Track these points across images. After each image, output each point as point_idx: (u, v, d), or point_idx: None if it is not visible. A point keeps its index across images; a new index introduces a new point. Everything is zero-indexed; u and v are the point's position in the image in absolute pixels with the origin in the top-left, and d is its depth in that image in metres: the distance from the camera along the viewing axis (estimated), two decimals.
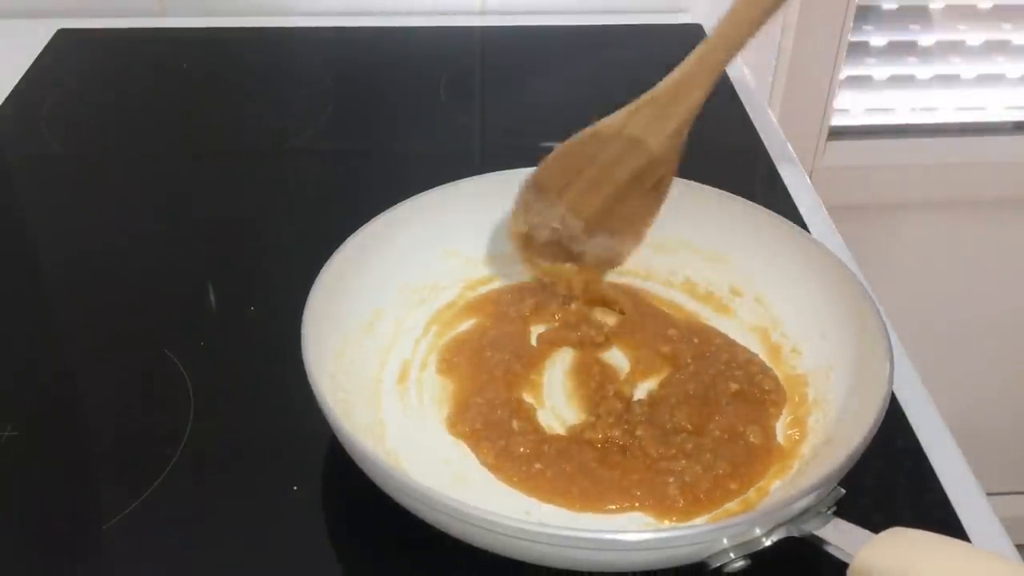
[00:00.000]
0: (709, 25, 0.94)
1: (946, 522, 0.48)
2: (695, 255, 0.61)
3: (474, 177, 0.61)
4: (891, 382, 0.46)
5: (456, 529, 0.42)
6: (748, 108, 0.82)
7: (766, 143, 0.78)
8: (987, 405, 1.31)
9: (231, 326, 0.61)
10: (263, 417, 0.53)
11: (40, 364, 0.58)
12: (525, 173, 0.59)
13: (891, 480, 0.51)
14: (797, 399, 0.52)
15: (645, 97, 0.54)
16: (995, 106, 1.11)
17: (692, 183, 0.60)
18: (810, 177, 0.77)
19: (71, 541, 0.47)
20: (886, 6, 1.06)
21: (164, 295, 0.63)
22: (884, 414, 0.44)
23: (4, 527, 0.48)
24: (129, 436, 0.53)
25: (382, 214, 0.57)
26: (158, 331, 0.59)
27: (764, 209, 0.59)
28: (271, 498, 0.49)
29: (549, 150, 0.80)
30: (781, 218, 0.58)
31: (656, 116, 0.54)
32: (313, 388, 0.45)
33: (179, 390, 0.54)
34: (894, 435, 0.53)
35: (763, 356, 0.55)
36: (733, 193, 0.60)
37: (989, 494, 0.50)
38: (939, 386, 0.59)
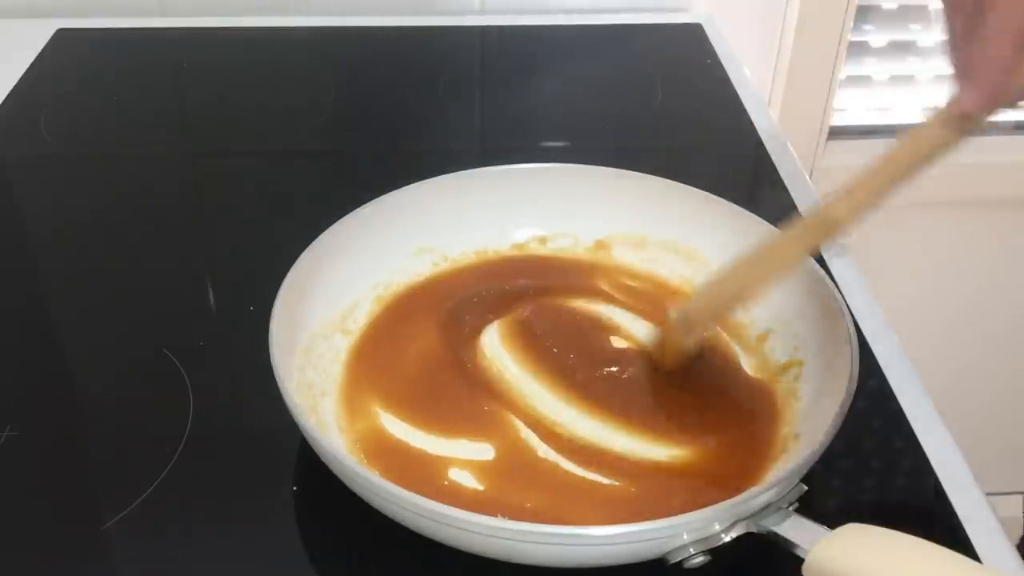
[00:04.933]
0: (709, 25, 0.95)
1: (946, 522, 0.48)
2: (667, 251, 0.61)
3: (451, 174, 0.61)
4: (854, 381, 0.46)
5: (416, 524, 0.42)
6: (748, 108, 0.82)
7: (766, 143, 0.78)
8: (987, 405, 1.31)
9: (231, 326, 0.61)
10: (263, 417, 0.53)
11: (40, 364, 0.58)
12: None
13: (891, 480, 0.51)
14: (768, 394, 0.52)
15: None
16: None
17: (670, 181, 0.60)
18: (810, 177, 0.77)
19: (71, 541, 0.47)
20: (886, 6, 1.06)
21: (164, 295, 0.63)
22: (846, 413, 0.44)
23: (4, 527, 0.48)
24: (129, 436, 0.53)
25: (356, 210, 0.58)
26: (158, 331, 0.59)
27: (733, 205, 0.59)
28: (271, 498, 0.49)
29: (548, 150, 0.80)
30: (750, 214, 0.58)
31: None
32: (279, 385, 0.45)
33: (179, 390, 0.54)
34: (894, 435, 0.53)
35: (737, 350, 0.56)
36: (731, 193, 0.60)
37: (989, 494, 0.50)
38: (939, 386, 0.59)
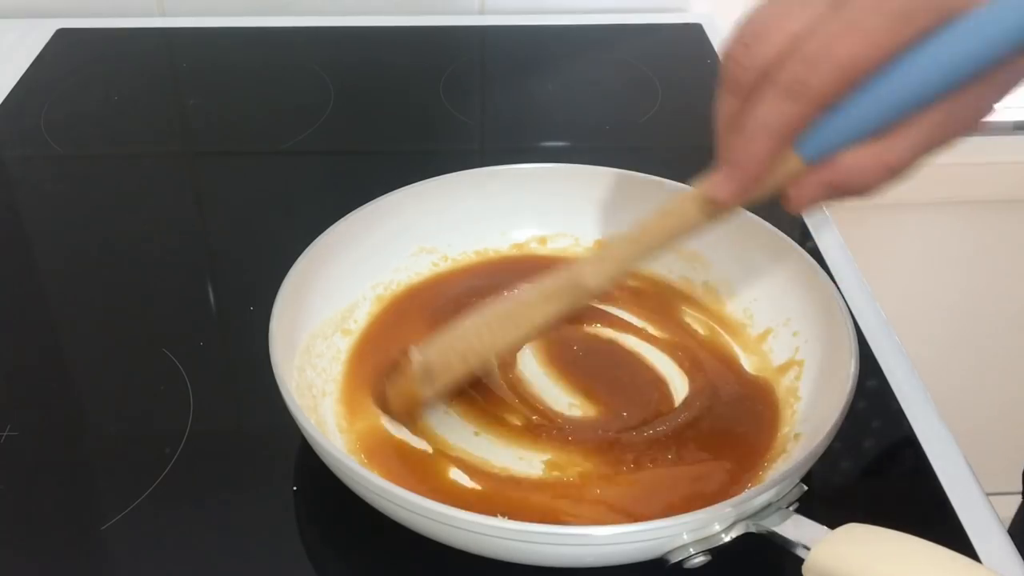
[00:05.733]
0: (709, 25, 0.95)
1: (946, 522, 0.48)
2: (668, 252, 0.61)
3: (451, 174, 0.61)
4: (854, 381, 0.46)
5: (415, 523, 0.42)
6: None
7: None
8: (987, 405, 1.31)
9: (231, 326, 0.61)
10: (263, 417, 0.53)
11: (40, 364, 0.58)
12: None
13: (891, 480, 0.51)
14: (768, 393, 0.52)
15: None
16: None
17: (671, 182, 0.60)
18: None
19: (71, 541, 0.47)
20: None
21: (164, 295, 0.63)
22: (846, 414, 0.44)
23: (4, 527, 0.48)
24: (129, 436, 0.53)
25: (356, 210, 0.58)
26: (158, 331, 0.59)
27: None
28: (271, 498, 0.49)
29: (548, 150, 0.80)
30: (751, 215, 0.58)
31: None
32: (279, 385, 0.46)
33: (179, 390, 0.54)
34: (894, 435, 0.53)
35: (737, 350, 0.56)
36: None
37: (989, 494, 0.50)
38: (939, 386, 0.59)
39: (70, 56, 0.90)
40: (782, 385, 0.52)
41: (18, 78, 0.85)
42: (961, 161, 1.12)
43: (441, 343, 0.50)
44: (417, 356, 0.50)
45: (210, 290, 0.65)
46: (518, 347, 0.51)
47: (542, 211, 0.63)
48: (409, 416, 0.51)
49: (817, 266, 0.54)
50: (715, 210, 0.42)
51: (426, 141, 0.79)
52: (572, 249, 0.63)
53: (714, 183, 0.41)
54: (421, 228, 0.61)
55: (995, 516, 0.49)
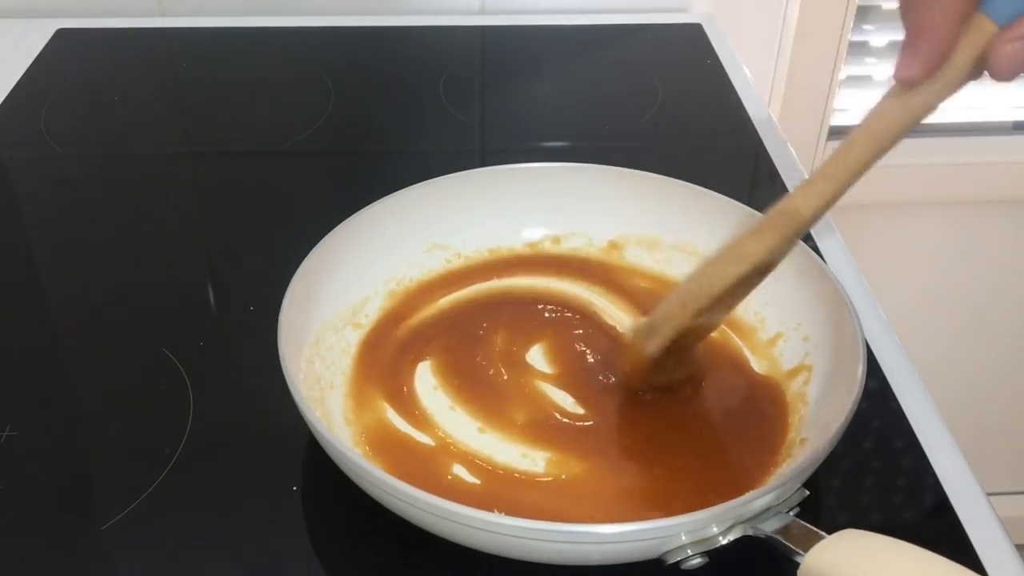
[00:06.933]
0: (709, 25, 0.95)
1: (946, 522, 0.48)
2: (680, 253, 0.61)
3: (466, 171, 0.61)
4: (861, 388, 0.46)
5: (416, 518, 0.42)
6: (748, 108, 0.82)
7: (766, 143, 0.78)
8: (987, 405, 1.31)
9: (231, 326, 0.61)
10: (263, 417, 0.53)
11: (40, 364, 0.58)
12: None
13: (891, 480, 0.51)
14: (778, 397, 0.52)
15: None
16: (995, 106, 1.11)
17: (686, 183, 0.60)
18: None
19: (71, 541, 0.47)
20: (886, 6, 1.06)
21: (164, 295, 0.63)
22: (850, 420, 0.44)
23: (4, 527, 0.48)
24: (129, 436, 0.53)
25: (369, 205, 0.58)
26: (158, 331, 0.59)
27: (750, 209, 0.58)
28: (271, 498, 0.49)
29: (548, 150, 0.80)
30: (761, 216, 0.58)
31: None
32: (286, 376, 0.46)
33: (179, 390, 0.54)
34: (894, 435, 0.53)
35: (748, 353, 0.55)
36: (733, 193, 0.60)
37: (989, 494, 0.50)
38: (939, 386, 0.59)
39: (70, 56, 0.90)
40: (791, 390, 0.52)
41: (18, 78, 0.85)
42: (961, 161, 1.12)
43: (665, 302, 0.49)
44: (638, 323, 0.50)
45: (210, 290, 0.65)
46: (736, 285, 0.47)
47: (556, 210, 0.62)
48: (640, 380, 0.51)
49: (829, 271, 0.53)
50: (912, 94, 0.39)
51: (426, 141, 0.79)
52: (586, 249, 0.62)
53: (900, 63, 0.38)
54: (435, 225, 0.61)
55: (996, 516, 0.49)
